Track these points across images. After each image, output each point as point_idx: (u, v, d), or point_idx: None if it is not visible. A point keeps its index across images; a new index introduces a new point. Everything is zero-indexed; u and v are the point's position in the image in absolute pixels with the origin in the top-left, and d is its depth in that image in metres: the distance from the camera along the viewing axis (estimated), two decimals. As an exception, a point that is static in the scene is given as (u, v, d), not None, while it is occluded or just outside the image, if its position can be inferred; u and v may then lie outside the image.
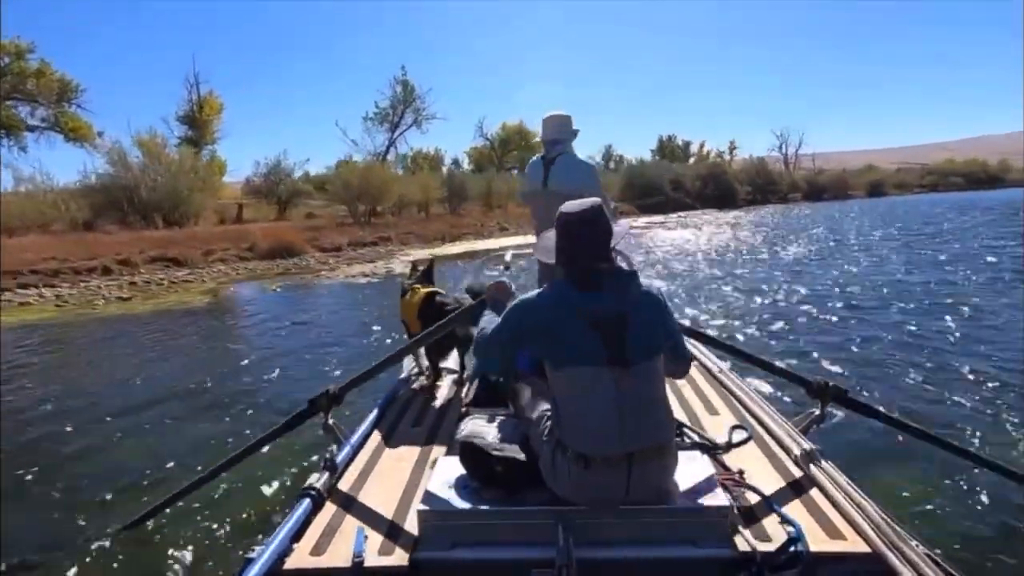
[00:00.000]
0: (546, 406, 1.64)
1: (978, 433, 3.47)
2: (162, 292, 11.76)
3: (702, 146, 66.12)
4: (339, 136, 40.20)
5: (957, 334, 5.70)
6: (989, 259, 10.65)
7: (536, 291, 1.61)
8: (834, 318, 6.68)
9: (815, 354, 5.21)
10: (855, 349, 5.37)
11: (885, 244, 14.54)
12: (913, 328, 5.99)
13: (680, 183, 47.85)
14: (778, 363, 2.52)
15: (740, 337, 5.97)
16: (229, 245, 18.21)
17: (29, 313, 9.53)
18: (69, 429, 4.15)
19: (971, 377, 4.45)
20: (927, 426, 2.48)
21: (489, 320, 1.88)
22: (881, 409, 2.15)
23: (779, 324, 6.46)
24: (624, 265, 1.99)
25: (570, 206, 1.61)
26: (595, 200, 1.63)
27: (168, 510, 2.60)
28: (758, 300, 7.90)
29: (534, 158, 3.32)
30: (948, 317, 6.38)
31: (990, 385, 4.28)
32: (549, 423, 1.59)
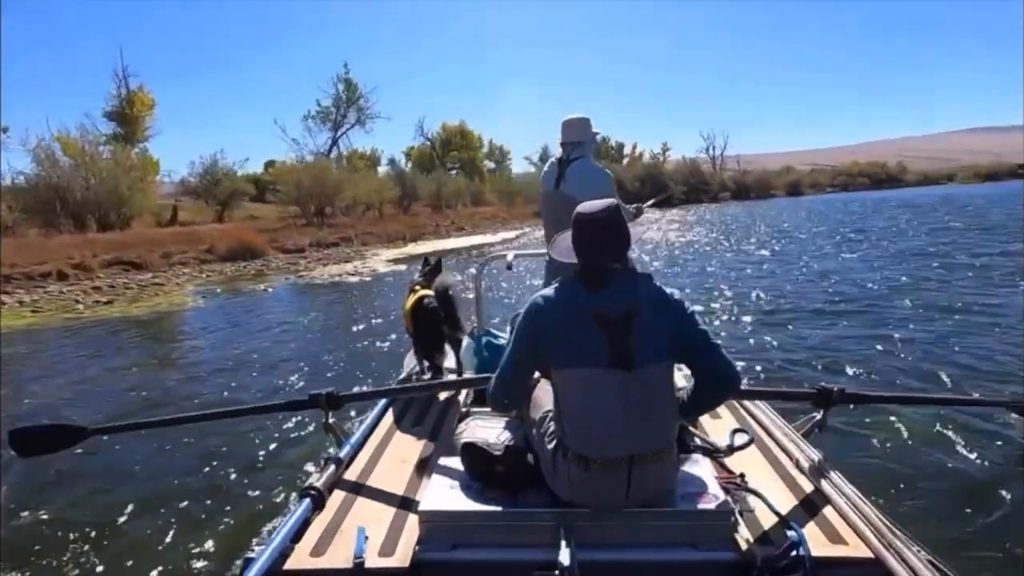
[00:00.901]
0: (548, 406, 1.63)
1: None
2: (144, 296, 11.32)
3: (635, 147, 68.65)
4: (278, 135, 38.60)
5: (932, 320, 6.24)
6: (931, 250, 11.98)
7: (542, 293, 1.60)
8: (817, 310, 7.01)
9: (806, 344, 5.53)
10: (844, 340, 5.61)
11: (842, 241, 15.26)
12: (902, 317, 6.39)
13: (621, 183, 50.07)
14: (777, 387, 2.50)
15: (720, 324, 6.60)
16: (184, 248, 17.52)
17: (8, 319, 8.98)
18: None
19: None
20: (925, 391, 2.68)
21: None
22: (884, 393, 2.15)
23: (769, 316, 6.87)
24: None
25: (587, 206, 1.60)
26: (611, 201, 1.63)
27: (163, 510, 2.69)
28: (732, 294, 8.43)
29: (551, 159, 3.27)
30: (915, 306, 7.45)
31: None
32: (551, 423, 1.59)
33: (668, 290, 1.59)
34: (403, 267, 14.68)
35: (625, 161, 64.92)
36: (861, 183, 68.93)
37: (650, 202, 3.52)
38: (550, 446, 1.55)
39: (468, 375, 2.83)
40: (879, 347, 5.23)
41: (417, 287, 3.07)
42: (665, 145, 68.04)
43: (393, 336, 6.30)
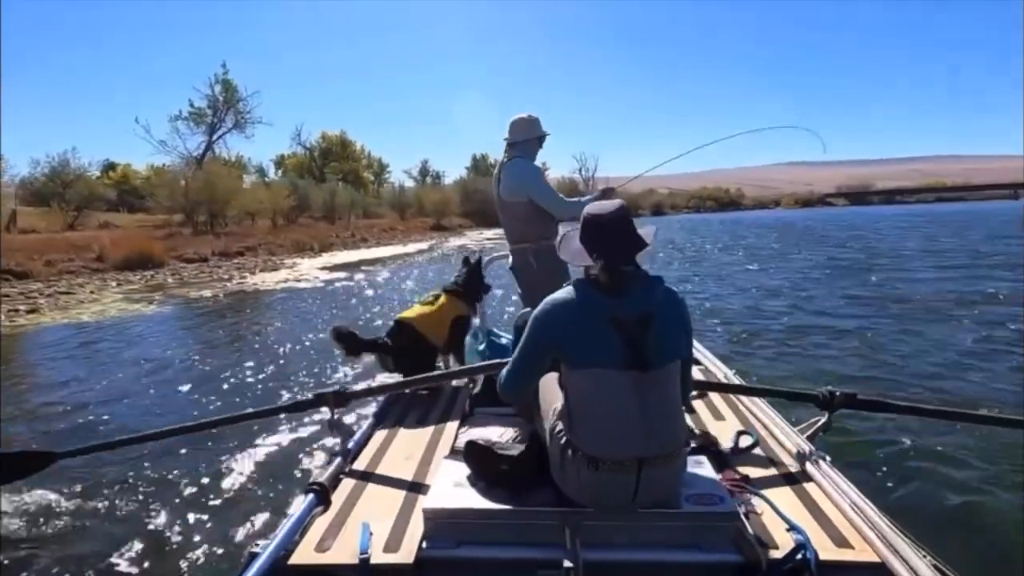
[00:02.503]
0: (558, 404, 1.62)
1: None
2: (72, 304, 10.16)
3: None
4: (140, 135, 34.36)
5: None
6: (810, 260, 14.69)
7: (558, 295, 1.58)
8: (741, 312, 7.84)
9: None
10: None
11: (737, 255, 16.99)
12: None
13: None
14: (782, 387, 2.55)
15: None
16: (61, 255, 15.55)
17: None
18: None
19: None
20: (936, 404, 2.65)
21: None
22: (890, 401, 2.18)
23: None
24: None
25: (597, 207, 1.62)
26: (620, 202, 1.65)
27: (169, 506, 2.77)
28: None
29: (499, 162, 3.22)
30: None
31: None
32: (560, 422, 1.58)
33: (679, 294, 1.61)
34: (342, 274, 14.61)
35: (505, 179, 67.47)
36: (710, 205, 79.96)
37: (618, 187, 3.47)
38: (560, 443, 1.55)
39: (473, 364, 2.82)
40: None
41: (452, 291, 3.09)
42: (544, 164, 72.35)
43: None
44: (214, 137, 36.14)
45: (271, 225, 28.02)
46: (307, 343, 6.56)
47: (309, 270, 15.68)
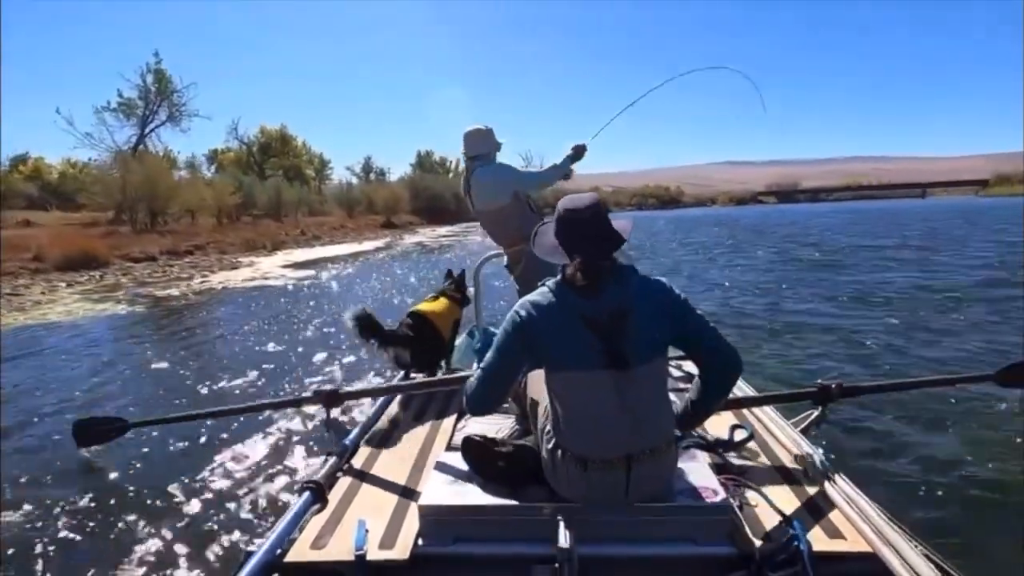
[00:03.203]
0: (546, 403, 1.62)
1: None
2: (29, 306, 9.66)
3: (457, 163, 71.72)
4: (63, 127, 32.09)
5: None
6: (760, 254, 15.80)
7: (531, 297, 1.56)
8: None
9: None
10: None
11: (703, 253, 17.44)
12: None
13: (458, 196, 52.64)
14: (776, 391, 2.58)
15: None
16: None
17: None
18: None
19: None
20: (916, 376, 2.80)
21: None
22: (878, 383, 2.24)
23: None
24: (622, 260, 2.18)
25: (571, 201, 1.59)
26: (593, 195, 1.62)
27: (163, 504, 2.80)
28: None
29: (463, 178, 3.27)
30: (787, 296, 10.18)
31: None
32: (548, 422, 1.59)
33: (657, 279, 1.58)
34: (309, 272, 14.51)
35: (451, 175, 67.63)
36: (652, 203, 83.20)
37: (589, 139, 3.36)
38: (549, 445, 1.56)
39: (465, 372, 2.85)
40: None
41: (450, 296, 3.28)
42: (492, 162, 72.68)
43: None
44: (146, 130, 34.36)
45: (216, 223, 27.02)
46: (299, 340, 6.64)
47: (272, 268, 15.46)
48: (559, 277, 1.57)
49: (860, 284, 9.30)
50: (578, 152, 3.25)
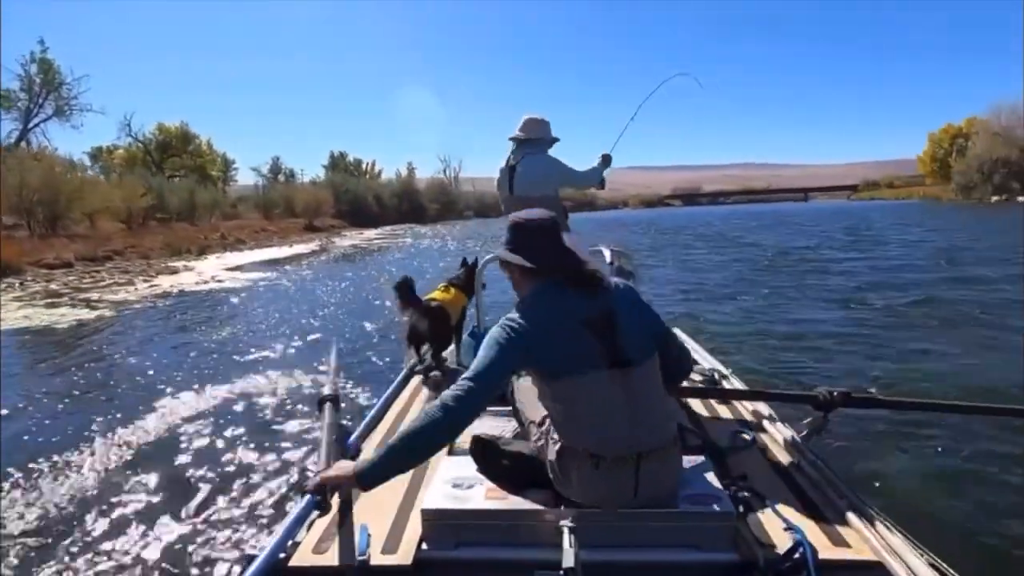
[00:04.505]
0: (541, 413, 1.63)
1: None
2: None
3: (372, 164, 70.25)
4: None
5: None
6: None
7: (526, 306, 1.57)
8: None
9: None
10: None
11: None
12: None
13: (380, 199, 52.11)
14: (779, 389, 2.50)
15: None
16: None
17: None
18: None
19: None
20: (925, 398, 2.77)
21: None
22: (886, 398, 2.20)
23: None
24: (620, 263, 2.40)
25: (525, 215, 1.64)
26: (544, 211, 1.67)
27: (165, 509, 2.82)
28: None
29: (502, 165, 3.26)
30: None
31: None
32: (551, 429, 1.58)
33: (616, 280, 1.66)
34: (257, 274, 14.33)
35: (367, 177, 66.54)
36: (569, 205, 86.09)
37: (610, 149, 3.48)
38: (556, 448, 1.56)
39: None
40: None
41: (459, 286, 3.42)
42: (410, 164, 72.15)
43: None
44: (29, 124, 31.38)
45: (125, 227, 25.29)
46: (288, 340, 6.79)
47: (217, 272, 15.03)
48: (559, 279, 1.59)
49: (824, 284, 9.61)
50: (606, 160, 3.37)
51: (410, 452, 1.52)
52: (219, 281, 13.12)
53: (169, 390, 4.88)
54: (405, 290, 3.17)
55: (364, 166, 68.97)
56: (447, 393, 1.52)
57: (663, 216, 49.22)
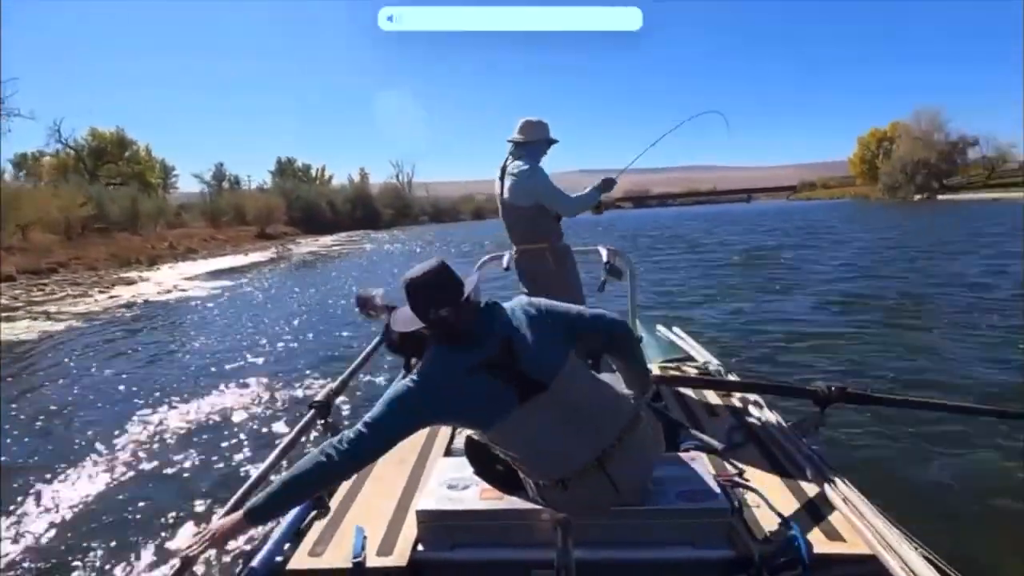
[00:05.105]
0: (499, 449, 1.61)
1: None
2: None
3: (323, 170, 68.86)
4: None
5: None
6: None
7: (419, 373, 1.50)
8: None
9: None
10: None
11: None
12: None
13: (334, 205, 51.42)
14: (777, 381, 2.58)
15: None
16: None
17: None
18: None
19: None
20: (923, 397, 2.82)
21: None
22: (883, 395, 2.23)
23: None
24: (614, 262, 2.62)
25: (415, 271, 1.53)
26: (437, 259, 1.56)
27: (162, 512, 2.78)
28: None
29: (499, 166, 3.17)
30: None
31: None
32: (511, 463, 1.58)
33: (512, 303, 1.61)
34: (221, 282, 14.14)
35: (317, 183, 65.44)
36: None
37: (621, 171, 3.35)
38: (529, 482, 1.57)
39: None
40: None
41: None
42: (363, 170, 71.38)
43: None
44: (-51, 131, 29.35)
45: (64, 238, 24.13)
46: (267, 347, 6.86)
47: (178, 282, 14.76)
48: (434, 344, 1.53)
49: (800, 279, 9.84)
50: (607, 184, 3.17)
51: (299, 489, 1.46)
52: (183, 291, 12.94)
53: (156, 397, 4.88)
54: (364, 301, 2.76)
55: (314, 172, 67.79)
56: (343, 435, 1.46)
57: (616, 219, 50.40)
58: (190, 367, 6.14)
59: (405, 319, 1.56)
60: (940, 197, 45.56)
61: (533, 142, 3.06)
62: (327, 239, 36.02)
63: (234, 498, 1.68)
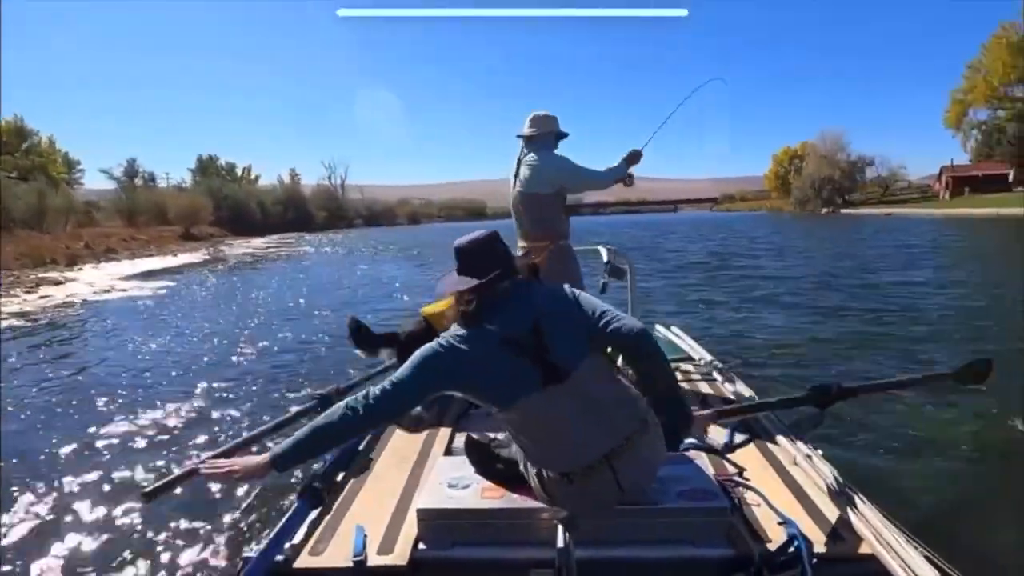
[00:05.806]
0: (508, 435, 1.66)
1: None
2: None
3: (248, 170, 66.17)
4: None
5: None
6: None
7: (447, 338, 1.53)
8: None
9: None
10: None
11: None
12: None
13: (264, 206, 49.54)
14: (774, 399, 2.45)
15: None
16: None
17: None
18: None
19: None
20: (907, 375, 2.80)
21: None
22: (872, 383, 2.28)
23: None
24: (615, 262, 2.70)
25: (467, 237, 1.60)
26: (489, 232, 1.63)
27: (160, 510, 2.74)
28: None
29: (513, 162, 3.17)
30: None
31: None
32: (519, 450, 1.61)
33: (554, 285, 1.65)
34: (159, 283, 13.53)
35: (242, 183, 62.79)
36: (459, 214, 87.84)
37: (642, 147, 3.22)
38: (532, 470, 1.58)
39: None
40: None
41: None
42: (293, 171, 69.05)
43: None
44: None
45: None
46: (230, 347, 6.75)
47: (113, 282, 13.96)
48: (471, 308, 1.55)
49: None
50: (634, 156, 3.15)
51: (324, 440, 1.51)
52: (123, 291, 12.30)
53: (140, 392, 4.87)
54: (362, 335, 2.70)
55: (239, 171, 64.92)
56: (369, 391, 1.51)
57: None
58: (153, 367, 5.91)
59: (454, 281, 1.60)
60: (843, 211, 50.09)
61: (543, 135, 3.08)
62: (258, 241, 34.74)
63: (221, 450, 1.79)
